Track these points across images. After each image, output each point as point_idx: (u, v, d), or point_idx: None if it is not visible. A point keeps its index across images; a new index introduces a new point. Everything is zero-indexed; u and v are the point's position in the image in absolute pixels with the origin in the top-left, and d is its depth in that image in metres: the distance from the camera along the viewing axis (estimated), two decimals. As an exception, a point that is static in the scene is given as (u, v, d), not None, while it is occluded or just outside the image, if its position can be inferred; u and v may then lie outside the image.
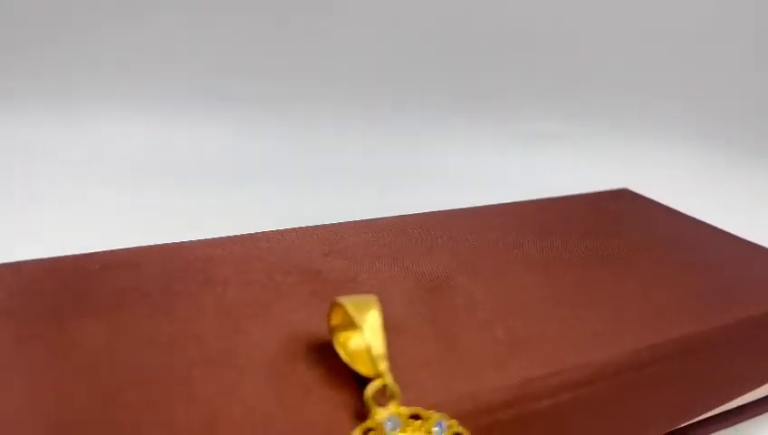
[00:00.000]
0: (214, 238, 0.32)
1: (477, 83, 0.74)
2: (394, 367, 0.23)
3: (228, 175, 0.60)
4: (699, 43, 0.77)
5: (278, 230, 0.33)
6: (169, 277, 0.27)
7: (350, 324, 0.22)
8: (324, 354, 0.23)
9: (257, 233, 0.33)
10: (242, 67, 0.69)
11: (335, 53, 0.71)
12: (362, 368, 0.22)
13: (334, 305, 0.23)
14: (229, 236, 0.32)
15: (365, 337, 0.21)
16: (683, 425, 0.29)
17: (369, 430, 0.20)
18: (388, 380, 0.21)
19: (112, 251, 0.29)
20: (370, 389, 0.20)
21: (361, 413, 0.21)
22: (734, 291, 0.31)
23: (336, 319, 0.23)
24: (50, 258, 0.28)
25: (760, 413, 0.33)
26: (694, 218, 0.40)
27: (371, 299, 0.22)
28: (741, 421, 0.32)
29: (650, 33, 0.76)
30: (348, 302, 0.22)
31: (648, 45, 0.76)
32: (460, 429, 0.21)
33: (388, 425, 0.20)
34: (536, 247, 0.34)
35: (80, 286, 0.26)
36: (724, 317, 0.28)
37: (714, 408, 0.29)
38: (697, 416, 0.28)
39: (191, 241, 0.31)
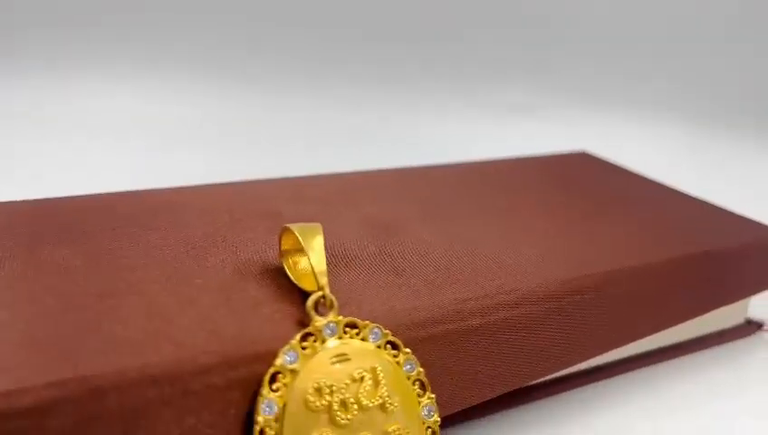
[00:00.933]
0: (184, 186, 0.34)
1: (451, 56, 0.76)
2: (338, 289, 0.25)
3: (207, 136, 0.63)
4: (667, 16, 0.79)
5: (248, 180, 0.36)
6: (139, 216, 0.30)
7: (300, 250, 0.25)
8: (275, 276, 0.25)
9: (227, 182, 0.35)
10: (224, 36, 0.72)
11: (310, 25, 0.73)
12: (307, 285, 0.24)
13: (285, 231, 0.25)
14: (199, 185, 0.34)
15: (310, 258, 0.24)
16: (604, 362, 0.32)
17: (309, 335, 0.22)
18: (327, 292, 0.23)
19: (88, 195, 0.32)
20: (311, 300, 0.23)
21: (303, 323, 0.23)
22: (665, 236, 0.33)
23: (287, 244, 0.25)
24: (29, 200, 0.30)
25: (679, 356, 0.35)
26: (646, 178, 0.43)
27: (317, 226, 0.25)
28: (657, 362, 0.34)
29: (619, 5, 0.78)
30: (296, 227, 0.24)
31: (619, 18, 0.78)
32: (393, 338, 0.23)
33: (327, 331, 0.22)
34: (489, 198, 0.36)
35: (56, 222, 0.28)
36: (647, 257, 0.30)
37: (635, 340, 0.31)
38: (619, 346, 0.30)
39: (162, 188, 0.33)
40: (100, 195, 0.32)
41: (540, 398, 0.30)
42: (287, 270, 0.25)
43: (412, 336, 0.24)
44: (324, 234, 0.24)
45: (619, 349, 0.32)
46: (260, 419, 0.21)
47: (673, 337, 0.34)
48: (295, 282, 0.25)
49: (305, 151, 0.61)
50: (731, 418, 0.31)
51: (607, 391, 0.32)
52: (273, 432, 0.21)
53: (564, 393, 0.31)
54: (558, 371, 0.28)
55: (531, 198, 0.37)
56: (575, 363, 0.28)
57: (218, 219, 0.30)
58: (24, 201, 0.30)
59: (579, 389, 0.31)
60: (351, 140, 0.65)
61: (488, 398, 0.26)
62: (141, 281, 0.24)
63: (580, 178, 0.42)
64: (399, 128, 0.70)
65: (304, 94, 0.73)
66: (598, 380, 0.32)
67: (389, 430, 0.22)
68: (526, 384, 0.28)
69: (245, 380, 0.21)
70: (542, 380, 0.30)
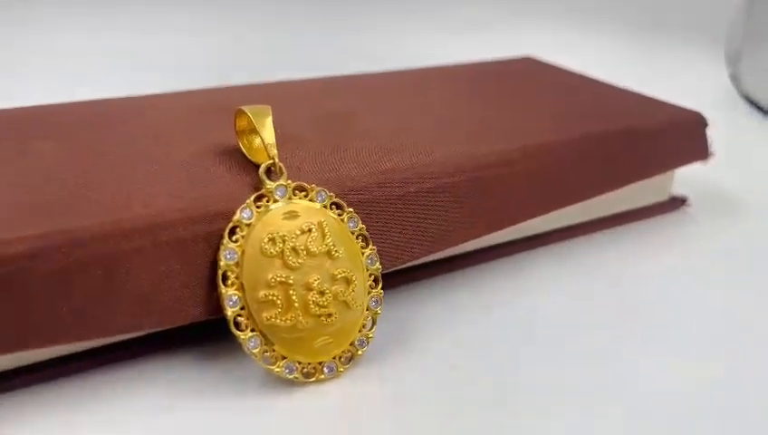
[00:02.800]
0: (158, 93, 0.37)
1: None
2: (288, 164, 0.28)
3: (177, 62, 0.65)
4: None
5: (213, 87, 0.38)
6: (114, 115, 0.33)
7: (253, 130, 0.28)
8: (233, 154, 0.29)
9: (197, 89, 0.38)
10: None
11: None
12: (261, 159, 0.27)
13: (239, 113, 0.28)
14: (167, 92, 0.37)
15: (261, 134, 0.27)
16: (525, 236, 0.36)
17: (262, 196, 0.26)
18: (277, 160, 0.26)
19: (73, 102, 0.35)
20: (263, 166, 0.26)
21: (258, 188, 0.26)
22: (589, 117, 0.37)
23: (241, 124, 0.28)
24: (15, 108, 0.33)
25: (604, 229, 0.39)
26: (585, 75, 0.46)
27: (267, 107, 0.28)
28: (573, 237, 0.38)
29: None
30: (248, 108, 0.28)
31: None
32: (337, 200, 0.27)
33: (278, 193, 0.26)
34: (432, 95, 0.39)
35: (40, 122, 0.31)
36: (569, 133, 0.34)
37: (558, 208, 0.34)
38: (543, 214, 0.34)
39: (134, 95, 0.36)
40: (79, 102, 0.35)
41: (474, 264, 0.34)
42: (242, 148, 0.28)
43: (355, 199, 0.27)
44: (277, 122, 0.28)
45: (547, 222, 0.36)
46: (222, 263, 0.24)
47: (600, 212, 0.38)
48: (250, 158, 0.28)
49: (270, 68, 0.64)
50: (643, 283, 0.34)
51: (530, 259, 0.35)
52: (233, 275, 0.24)
53: (497, 260, 0.35)
54: (486, 234, 0.32)
55: (470, 92, 0.40)
56: (503, 228, 0.32)
57: (183, 115, 0.33)
58: (10, 108, 0.33)
59: (508, 257, 0.35)
60: (309, 58, 0.68)
61: (424, 256, 0.30)
62: (114, 162, 0.27)
63: (521, 76, 0.45)
64: (357, 43, 0.73)
65: (269, 14, 0.75)
66: (524, 250, 0.35)
67: (335, 273, 0.26)
68: (457, 247, 0.31)
69: (209, 234, 0.25)
70: (474, 248, 0.33)
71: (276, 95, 0.37)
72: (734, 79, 0.69)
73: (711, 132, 0.39)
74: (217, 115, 0.33)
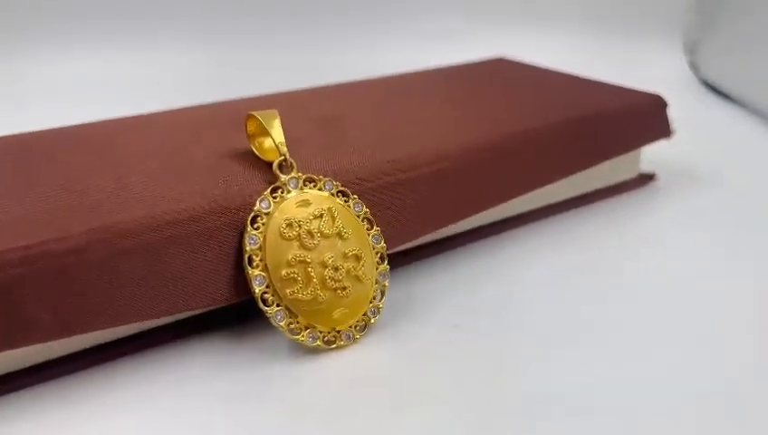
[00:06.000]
0: (169, 110, 0.40)
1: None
2: (297, 160, 0.32)
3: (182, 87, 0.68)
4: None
5: (219, 101, 0.42)
6: (133, 132, 0.36)
7: (263, 132, 0.31)
8: (246, 157, 0.32)
9: (197, 105, 0.41)
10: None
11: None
12: (272, 157, 0.31)
13: (249, 117, 0.32)
14: (179, 108, 0.41)
15: (272, 134, 0.30)
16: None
17: (277, 188, 0.29)
18: (288, 156, 0.30)
19: (92, 122, 0.38)
20: (276, 162, 0.30)
21: (272, 182, 0.30)
22: (559, 105, 0.40)
23: (251, 128, 0.32)
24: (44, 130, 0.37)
25: (583, 205, 0.43)
26: (555, 71, 0.50)
27: (274, 112, 0.31)
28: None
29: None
30: (258, 113, 0.31)
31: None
32: (343, 188, 0.30)
33: (291, 184, 0.29)
34: (414, 95, 0.43)
35: (68, 140, 0.35)
36: (541, 121, 0.38)
37: (535, 189, 0.38)
38: (522, 194, 0.37)
39: (148, 113, 0.40)
40: (97, 122, 0.38)
41: (464, 244, 0.37)
42: (255, 150, 0.32)
43: (357, 189, 0.31)
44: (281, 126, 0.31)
45: (528, 202, 0.39)
46: (247, 248, 0.27)
47: (576, 191, 0.42)
48: (262, 157, 0.31)
49: (252, 84, 0.67)
50: (617, 253, 0.38)
51: (513, 236, 0.39)
52: (258, 258, 0.28)
53: (485, 239, 0.38)
54: (474, 214, 0.35)
55: (451, 90, 0.44)
56: (490, 207, 0.36)
57: (193, 128, 0.36)
58: (37, 130, 0.36)
59: (495, 236, 0.38)
60: (286, 71, 0.73)
61: (420, 236, 0.33)
62: (142, 169, 0.31)
63: (497, 74, 0.49)
64: (329, 56, 0.77)
65: (247, 36, 0.79)
66: (508, 229, 0.39)
67: (346, 251, 0.29)
68: (449, 229, 0.35)
69: (233, 224, 0.28)
70: (464, 229, 0.37)
71: (272, 105, 0.41)
72: (693, 66, 0.73)
73: (673, 114, 0.43)
74: (228, 124, 0.36)
